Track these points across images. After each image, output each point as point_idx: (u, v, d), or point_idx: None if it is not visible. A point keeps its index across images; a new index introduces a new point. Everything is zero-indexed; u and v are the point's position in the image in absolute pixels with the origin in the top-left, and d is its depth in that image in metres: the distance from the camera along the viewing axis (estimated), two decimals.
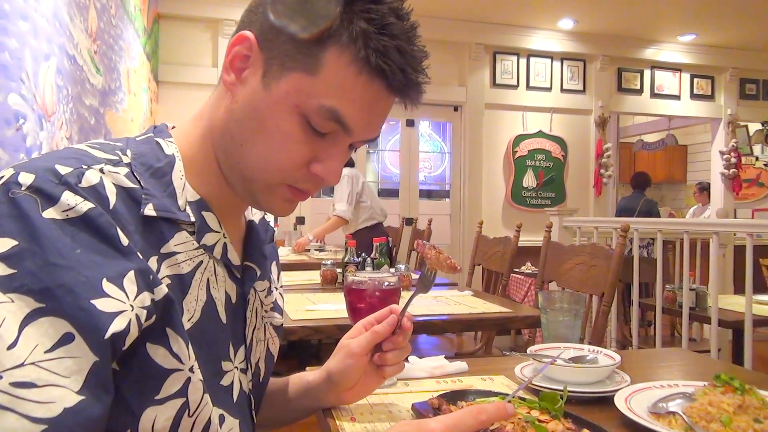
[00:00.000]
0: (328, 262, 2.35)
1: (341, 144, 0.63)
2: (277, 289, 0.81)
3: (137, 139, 0.63)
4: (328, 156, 0.62)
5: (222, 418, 0.63)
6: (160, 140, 0.63)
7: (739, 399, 0.78)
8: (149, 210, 0.57)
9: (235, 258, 0.67)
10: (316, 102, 0.58)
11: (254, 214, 0.76)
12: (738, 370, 1.23)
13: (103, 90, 2.23)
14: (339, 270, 2.31)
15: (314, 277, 2.44)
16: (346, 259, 2.27)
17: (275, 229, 0.80)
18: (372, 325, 0.82)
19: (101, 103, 2.18)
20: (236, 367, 0.67)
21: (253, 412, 0.72)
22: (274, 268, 0.80)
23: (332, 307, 1.75)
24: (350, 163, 4.10)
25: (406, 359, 0.88)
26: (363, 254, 2.32)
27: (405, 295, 2.06)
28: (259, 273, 0.72)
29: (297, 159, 0.61)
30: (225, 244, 0.65)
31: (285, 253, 3.76)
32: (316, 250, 3.95)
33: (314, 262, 3.18)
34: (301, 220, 4.96)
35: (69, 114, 1.71)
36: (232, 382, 0.66)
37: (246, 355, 0.70)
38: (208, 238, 0.63)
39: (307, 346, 3.48)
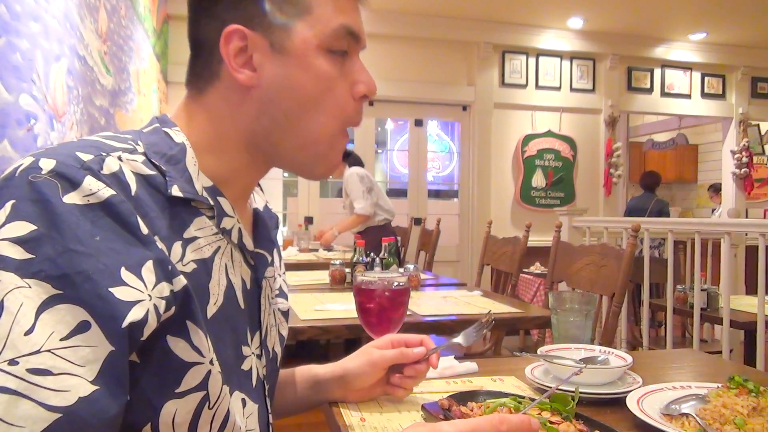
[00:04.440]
0: (337, 262, 2.35)
1: (356, 57, 0.68)
2: (280, 275, 0.82)
3: (144, 130, 0.63)
4: (356, 72, 0.67)
5: (244, 402, 0.64)
6: (167, 130, 0.63)
7: (754, 401, 0.77)
8: (176, 191, 0.57)
9: (249, 243, 0.68)
10: (329, 29, 0.63)
11: (257, 202, 0.76)
12: (750, 371, 1.22)
13: (113, 90, 2.24)
14: (348, 270, 2.31)
15: (323, 276, 2.44)
16: (354, 258, 2.27)
17: (278, 216, 0.81)
18: (400, 344, 0.88)
19: (111, 103, 2.19)
20: (253, 353, 0.68)
21: (267, 398, 0.72)
22: (275, 254, 0.80)
23: (341, 307, 1.75)
24: (359, 162, 4.09)
25: None
26: (372, 254, 2.32)
27: (414, 295, 2.05)
28: (270, 259, 0.72)
29: (342, 93, 0.65)
30: (240, 229, 0.66)
31: (294, 253, 3.76)
32: (324, 249, 3.95)
33: (322, 262, 3.18)
34: (309, 220, 4.96)
35: (79, 114, 1.72)
36: (251, 367, 0.67)
37: (261, 341, 0.70)
38: (226, 222, 0.63)
39: (315, 346, 3.48)
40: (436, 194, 5.76)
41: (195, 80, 0.66)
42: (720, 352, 2.82)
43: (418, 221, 4.95)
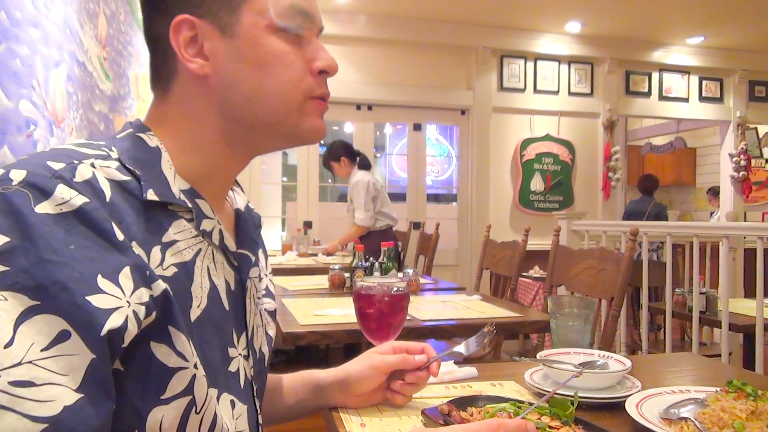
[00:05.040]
0: (336, 267, 2.35)
1: (313, 36, 0.68)
2: (267, 275, 0.82)
3: (118, 136, 0.63)
4: (316, 51, 0.67)
5: (233, 404, 0.64)
6: (141, 135, 0.63)
7: (752, 405, 0.78)
8: (151, 195, 0.57)
9: (231, 244, 0.67)
10: (278, 9, 0.63)
11: (238, 203, 0.76)
12: (749, 374, 1.22)
13: (113, 96, 2.24)
14: (347, 274, 2.31)
15: (322, 281, 2.44)
16: (354, 263, 2.27)
17: (260, 215, 0.81)
18: (402, 351, 0.89)
19: (110, 108, 2.20)
20: (240, 354, 0.68)
21: (256, 399, 0.72)
22: (261, 255, 0.80)
23: (340, 312, 1.75)
24: (366, 165, 4.08)
25: None
26: (371, 259, 2.32)
27: (414, 300, 2.05)
28: (253, 259, 0.72)
29: (299, 68, 0.65)
30: (221, 230, 0.65)
31: (293, 258, 3.76)
32: (323, 254, 3.95)
33: (321, 267, 3.18)
34: (309, 225, 4.96)
35: (79, 120, 1.72)
36: (238, 368, 0.67)
37: (248, 341, 0.70)
38: (205, 225, 0.63)
39: (315, 351, 3.48)
40: (435, 198, 5.77)
41: (158, 80, 0.66)
42: (719, 356, 2.82)
43: (417, 225, 4.95)
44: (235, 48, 0.62)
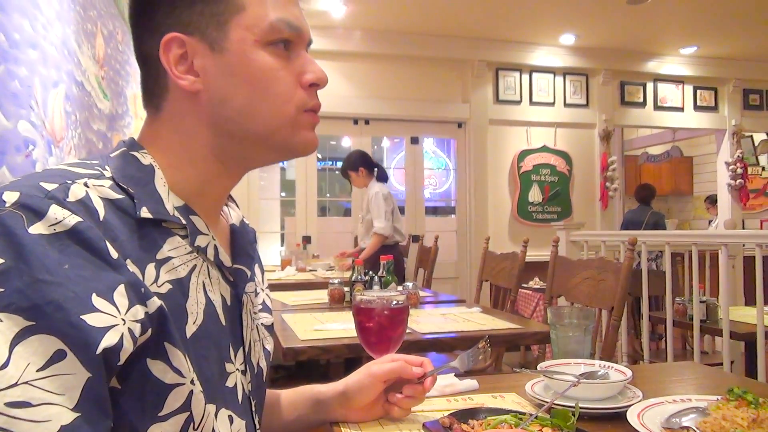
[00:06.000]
0: (336, 281, 2.35)
1: (302, 50, 0.68)
2: (263, 290, 0.82)
3: (111, 155, 0.63)
4: (304, 64, 0.67)
5: (231, 419, 0.64)
6: (134, 153, 0.63)
7: (753, 413, 0.77)
8: (145, 213, 0.57)
9: (226, 259, 0.68)
10: (266, 24, 0.63)
11: (233, 218, 0.76)
12: (751, 383, 1.22)
13: (111, 115, 2.25)
14: (346, 289, 2.30)
15: (321, 296, 2.43)
16: (353, 277, 2.27)
17: (255, 230, 0.81)
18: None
19: (109, 127, 2.21)
20: (237, 369, 0.68)
21: (254, 414, 0.72)
22: (257, 269, 0.80)
23: (340, 326, 1.75)
24: (384, 178, 4.08)
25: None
26: (370, 272, 2.32)
27: (414, 313, 2.04)
28: (249, 274, 0.73)
29: (289, 82, 0.66)
30: (216, 246, 0.66)
31: (292, 273, 3.76)
32: (323, 269, 3.94)
33: (321, 281, 3.18)
34: (308, 240, 4.96)
35: (77, 139, 1.73)
36: (236, 383, 0.67)
37: (245, 356, 0.70)
38: (200, 241, 0.64)
39: (315, 366, 3.46)
40: (433, 211, 5.78)
41: (150, 98, 0.67)
42: (721, 364, 2.81)
43: (416, 238, 4.95)
44: (225, 64, 0.63)
